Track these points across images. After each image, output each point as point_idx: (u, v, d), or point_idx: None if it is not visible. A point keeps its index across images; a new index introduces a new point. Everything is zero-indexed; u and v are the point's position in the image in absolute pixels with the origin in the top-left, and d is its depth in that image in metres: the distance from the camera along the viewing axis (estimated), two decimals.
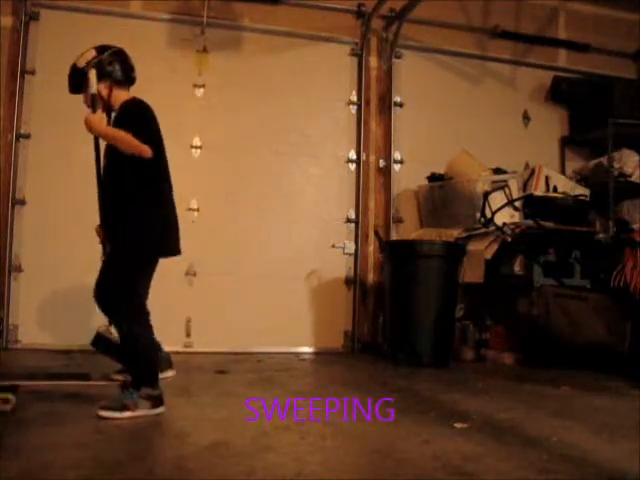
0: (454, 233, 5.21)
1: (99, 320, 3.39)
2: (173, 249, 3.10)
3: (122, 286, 2.90)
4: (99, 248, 3.24)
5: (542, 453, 2.32)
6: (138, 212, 2.94)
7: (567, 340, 4.66)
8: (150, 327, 3.02)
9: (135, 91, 3.18)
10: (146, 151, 2.83)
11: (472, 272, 4.97)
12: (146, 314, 3.09)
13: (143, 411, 2.77)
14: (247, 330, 5.27)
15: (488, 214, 5.14)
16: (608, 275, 4.73)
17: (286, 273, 5.48)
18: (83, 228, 3.68)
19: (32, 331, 4.92)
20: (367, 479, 2.14)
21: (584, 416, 3.07)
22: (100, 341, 3.44)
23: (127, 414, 2.74)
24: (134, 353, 2.93)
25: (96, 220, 3.22)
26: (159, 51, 5.30)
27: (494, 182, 5.31)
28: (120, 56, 3.05)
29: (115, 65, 3.01)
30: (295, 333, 5.45)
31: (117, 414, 2.73)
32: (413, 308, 4.77)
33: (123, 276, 2.91)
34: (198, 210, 5.34)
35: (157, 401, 2.84)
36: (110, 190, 3.03)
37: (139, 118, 2.95)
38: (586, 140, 6.24)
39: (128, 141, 2.83)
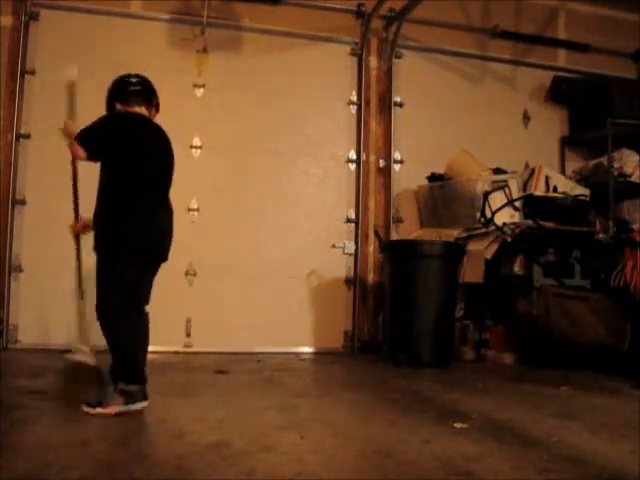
0: (454, 233, 5.21)
1: None
2: (157, 246, 3.04)
3: (111, 284, 2.88)
4: None
5: (542, 453, 2.32)
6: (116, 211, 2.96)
7: (567, 340, 4.66)
8: (139, 325, 2.94)
9: None
10: (77, 154, 3.04)
11: (472, 272, 4.97)
12: (140, 313, 2.98)
13: (116, 407, 2.76)
14: (247, 330, 5.27)
15: (488, 214, 5.14)
16: (608, 275, 4.73)
17: (286, 273, 5.48)
18: None
19: (32, 331, 4.92)
20: (367, 479, 2.14)
21: (584, 416, 3.07)
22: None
23: (99, 410, 2.76)
24: (113, 346, 2.87)
25: None
26: (159, 51, 5.30)
27: (494, 182, 5.31)
28: (116, 83, 3.19)
29: (114, 90, 3.17)
30: (295, 333, 5.45)
31: (91, 410, 2.76)
32: (413, 308, 4.76)
33: (109, 275, 2.88)
34: (198, 210, 5.34)
35: (132, 397, 2.79)
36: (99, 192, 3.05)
37: (95, 123, 3.05)
38: (586, 140, 6.24)
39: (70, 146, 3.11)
